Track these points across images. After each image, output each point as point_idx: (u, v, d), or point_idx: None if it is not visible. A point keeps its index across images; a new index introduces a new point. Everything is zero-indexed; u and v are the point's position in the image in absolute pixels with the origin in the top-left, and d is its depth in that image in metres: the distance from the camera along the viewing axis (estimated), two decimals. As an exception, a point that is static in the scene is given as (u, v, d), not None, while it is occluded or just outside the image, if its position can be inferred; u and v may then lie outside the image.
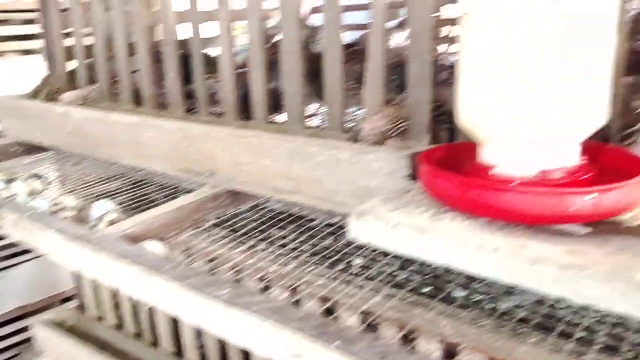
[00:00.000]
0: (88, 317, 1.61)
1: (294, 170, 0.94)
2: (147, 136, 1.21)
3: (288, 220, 1.13)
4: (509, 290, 0.88)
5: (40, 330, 1.56)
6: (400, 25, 1.41)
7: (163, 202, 1.25)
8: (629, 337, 0.72)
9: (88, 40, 1.56)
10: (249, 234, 1.06)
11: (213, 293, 0.72)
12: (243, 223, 1.10)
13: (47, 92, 1.63)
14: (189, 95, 1.34)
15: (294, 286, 0.89)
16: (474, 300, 0.92)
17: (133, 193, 1.42)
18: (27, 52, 2.53)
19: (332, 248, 0.98)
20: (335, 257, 0.95)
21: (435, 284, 0.94)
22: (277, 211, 1.16)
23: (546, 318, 0.78)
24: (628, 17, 0.78)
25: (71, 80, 1.62)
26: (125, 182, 1.49)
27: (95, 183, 1.46)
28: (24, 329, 2.05)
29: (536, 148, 0.62)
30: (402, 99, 0.93)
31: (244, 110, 1.19)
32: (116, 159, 1.33)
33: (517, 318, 0.82)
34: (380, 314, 0.79)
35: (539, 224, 0.60)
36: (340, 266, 0.91)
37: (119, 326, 1.51)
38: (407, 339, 0.79)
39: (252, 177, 1.01)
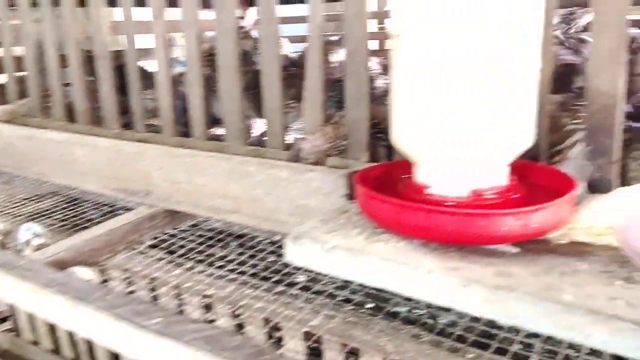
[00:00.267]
0: (23, 341, 1.52)
1: (232, 190, 0.92)
2: (79, 154, 1.15)
3: (229, 239, 1.10)
4: (449, 305, 0.88)
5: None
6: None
7: (98, 222, 1.20)
8: (561, 351, 0.74)
9: (18, 52, 1.49)
10: (188, 255, 1.03)
11: (143, 323, 0.69)
12: (182, 243, 1.07)
13: (-28, 107, 1.54)
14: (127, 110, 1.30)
15: (234, 309, 0.87)
16: (415, 315, 0.92)
17: (66, 213, 1.35)
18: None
19: (274, 267, 0.96)
20: (277, 277, 0.93)
21: (377, 299, 0.93)
22: (218, 230, 1.13)
23: (483, 333, 0.78)
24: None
25: (0, 94, 1.54)
26: (58, 201, 1.42)
27: (25, 203, 1.39)
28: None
29: (467, 169, 0.62)
30: (341, 116, 0.93)
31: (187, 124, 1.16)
32: (47, 178, 1.27)
33: (456, 333, 0.83)
34: (322, 336, 0.78)
35: (470, 244, 0.60)
36: (282, 286, 0.90)
37: (55, 351, 1.43)
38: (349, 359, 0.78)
39: (189, 196, 0.98)
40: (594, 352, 0.73)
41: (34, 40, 1.43)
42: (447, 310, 0.89)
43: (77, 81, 1.34)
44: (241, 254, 1.03)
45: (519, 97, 0.60)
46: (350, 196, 0.79)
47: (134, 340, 0.69)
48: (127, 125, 1.31)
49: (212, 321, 0.88)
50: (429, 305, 0.91)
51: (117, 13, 1.25)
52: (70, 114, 1.38)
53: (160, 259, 1.02)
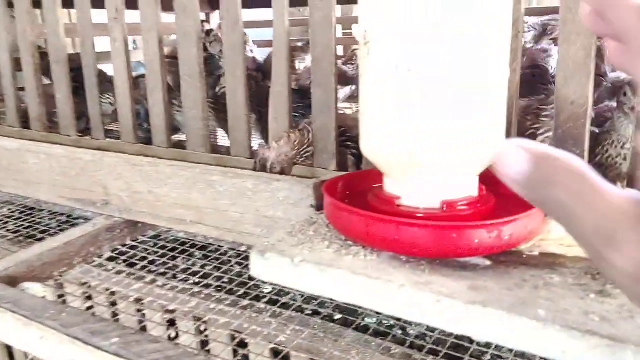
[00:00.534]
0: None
1: (195, 200, 0.88)
2: (32, 162, 1.10)
3: (192, 250, 1.06)
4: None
5: None
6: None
7: (54, 234, 1.14)
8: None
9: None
10: (149, 268, 0.98)
11: (100, 343, 0.65)
12: (142, 255, 1.02)
13: None
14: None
15: (198, 325, 0.83)
16: (386, 326, 0.90)
17: (20, 223, 1.28)
18: None
19: (239, 280, 0.93)
20: (243, 289, 0.90)
21: (346, 311, 0.91)
22: (180, 241, 1.09)
23: (455, 345, 0.77)
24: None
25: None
26: (11, 210, 1.35)
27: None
28: None
29: (437, 180, 0.61)
30: (308, 123, 0.91)
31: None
32: (-2, 187, 1.21)
33: (426, 343, 0.81)
34: (290, 352, 0.75)
35: (442, 257, 0.59)
36: (248, 299, 0.86)
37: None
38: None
39: (149, 206, 0.94)
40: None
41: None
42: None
43: (31, 86, 1.28)
44: (205, 265, 0.99)
45: (488, 106, 0.59)
46: (318, 207, 0.77)
47: (90, 362, 0.65)
48: (86, 131, 1.26)
49: (175, 338, 0.84)
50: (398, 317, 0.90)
51: (74, 15, 1.20)
52: (24, 120, 1.32)
53: (119, 272, 0.97)
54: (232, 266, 0.99)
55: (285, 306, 0.84)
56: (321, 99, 0.86)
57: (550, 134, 0.73)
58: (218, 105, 1.36)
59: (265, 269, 0.63)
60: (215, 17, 2.49)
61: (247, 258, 1.01)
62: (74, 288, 0.93)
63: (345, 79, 1.66)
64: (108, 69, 1.46)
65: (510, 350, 0.70)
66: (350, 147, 0.93)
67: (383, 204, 0.64)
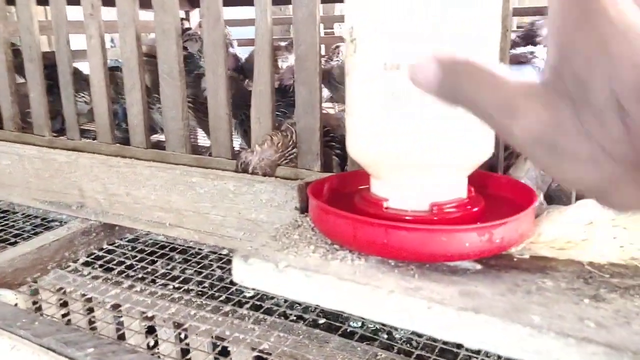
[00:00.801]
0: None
1: (174, 202, 0.85)
2: (4, 164, 1.05)
3: (172, 254, 1.03)
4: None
5: None
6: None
7: (29, 237, 1.10)
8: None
9: None
10: (127, 272, 0.95)
11: (74, 354, 0.62)
12: (120, 260, 0.99)
13: None
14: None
15: (178, 332, 0.80)
16: (371, 330, 0.88)
17: (-8, 226, 1.24)
18: None
19: (221, 284, 0.90)
20: (225, 294, 0.87)
21: (332, 314, 0.89)
22: (159, 244, 1.05)
23: (443, 351, 0.76)
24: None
25: None
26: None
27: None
28: None
29: (425, 181, 0.59)
30: (292, 124, 0.88)
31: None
32: (-32, 189, 1.16)
33: (414, 349, 0.80)
34: (273, 359, 0.73)
35: (432, 261, 0.57)
36: (230, 304, 0.84)
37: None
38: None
39: (127, 209, 0.90)
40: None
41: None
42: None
43: (4, 84, 1.23)
44: (185, 270, 0.96)
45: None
46: (303, 209, 0.74)
47: (63, 374, 0.62)
48: (62, 131, 1.21)
49: (154, 346, 0.81)
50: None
51: (49, 11, 1.15)
52: (-4, 120, 1.27)
53: (96, 278, 0.94)
54: (213, 270, 0.97)
55: (268, 311, 0.81)
56: (305, 98, 0.84)
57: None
58: (196, 105, 1.33)
59: (248, 274, 0.61)
60: (195, 15, 2.45)
61: (228, 262, 0.98)
62: (48, 295, 0.90)
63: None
64: (84, 67, 1.42)
65: (499, 357, 0.69)
66: (335, 148, 0.91)
67: (370, 207, 0.62)
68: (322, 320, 0.87)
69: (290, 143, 0.84)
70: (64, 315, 0.89)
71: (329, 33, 2.51)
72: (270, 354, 0.73)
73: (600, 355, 0.43)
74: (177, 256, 1.04)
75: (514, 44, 1.32)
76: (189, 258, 1.01)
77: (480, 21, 0.55)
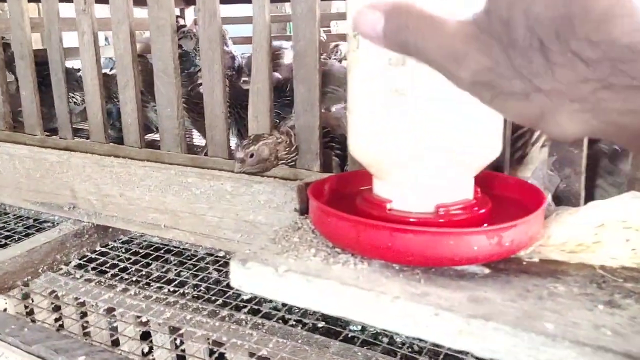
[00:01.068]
0: None
1: (169, 203, 0.83)
2: (-6, 163, 1.03)
3: (167, 255, 1.01)
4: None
5: None
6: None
7: (20, 239, 1.07)
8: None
9: None
10: (121, 275, 0.92)
11: (65, 363, 0.59)
12: (113, 262, 0.96)
13: None
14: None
15: (173, 338, 0.78)
16: (371, 333, 0.86)
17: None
18: None
19: (218, 288, 0.88)
20: (222, 298, 0.84)
21: (331, 317, 0.87)
22: (154, 246, 1.03)
23: (448, 355, 0.73)
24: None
25: None
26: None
27: None
28: None
29: (431, 182, 0.57)
30: (291, 127, 0.86)
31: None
32: (-43, 190, 1.13)
33: (417, 354, 0.77)
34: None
35: (439, 265, 0.54)
36: (228, 309, 0.81)
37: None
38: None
39: (120, 210, 0.88)
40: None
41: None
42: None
43: (-7, 82, 1.20)
44: (181, 272, 0.94)
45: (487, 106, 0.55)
46: (303, 211, 0.72)
47: (53, 384, 0.59)
48: (54, 131, 1.19)
49: (149, 352, 0.78)
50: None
51: (41, 8, 1.13)
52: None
53: (88, 281, 0.91)
54: (209, 273, 0.94)
55: (267, 316, 0.79)
56: (304, 96, 0.81)
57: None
58: (189, 104, 1.31)
59: (247, 279, 0.58)
60: (190, 12, 2.42)
61: (225, 264, 0.96)
62: (39, 299, 0.87)
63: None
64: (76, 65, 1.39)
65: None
66: (334, 149, 0.88)
67: (373, 208, 0.59)
68: (321, 324, 0.84)
69: (288, 144, 0.81)
70: (56, 320, 0.87)
71: (325, 31, 2.48)
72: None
73: (619, 366, 0.41)
74: (172, 258, 1.01)
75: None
76: (184, 260, 0.98)
77: None
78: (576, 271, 0.54)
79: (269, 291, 0.57)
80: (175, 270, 0.96)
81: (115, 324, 0.83)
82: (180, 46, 1.69)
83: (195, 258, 1.00)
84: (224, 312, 0.78)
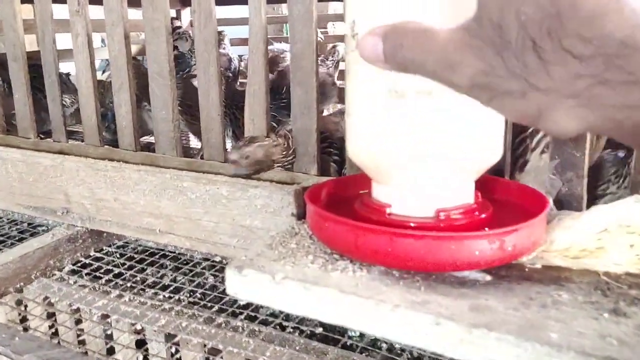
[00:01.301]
0: None
1: (164, 207, 0.81)
2: (-14, 167, 1.01)
3: (163, 260, 0.99)
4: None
5: None
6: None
7: (12, 244, 1.06)
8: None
9: None
10: (115, 281, 0.91)
11: (57, 373, 0.58)
12: (108, 267, 0.95)
13: None
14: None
15: (169, 345, 0.76)
16: (369, 340, 0.85)
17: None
18: None
19: (214, 294, 0.86)
20: (218, 304, 0.83)
21: (329, 324, 0.85)
22: (149, 251, 1.01)
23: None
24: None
25: None
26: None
27: None
28: None
29: (431, 186, 0.55)
30: (289, 130, 0.85)
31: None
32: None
33: (415, 358, 0.76)
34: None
35: (440, 272, 0.53)
36: (224, 315, 0.80)
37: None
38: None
39: (115, 215, 0.86)
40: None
41: None
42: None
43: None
44: (176, 278, 0.92)
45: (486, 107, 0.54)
46: (300, 215, 0.71)
47: (44, 396, 0.58)
48: (48, 133, 1.17)
49: None
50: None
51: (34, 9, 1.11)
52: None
53: (82, 287, 0.90)
54: (205, 278, 0.93)
55: (264, 322, 0.77)
56: (301, 98, 0.80)
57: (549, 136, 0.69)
58: (183, 107, 1.29)
59: (243, 286, 0.57)
60: (186, 13, 2.41)
61: (221, 270, 0.94)
62: (32, 305, 0.86)
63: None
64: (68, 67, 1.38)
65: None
66: (332, 154, 0.87)
67: (372, 213, 0.58)
68: (319, 330, 0.83)
69: (284, 146, 0.80)
70: (49, 327, 0.85)
71: (322, 32, 2.47)
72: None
73: (626, 377, 0.39)
74: (168, 263, 1.00)
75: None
76: (180, 265, 0.97)
77: None
78: (580, 278, 0.53)
79: (266, 299, 0.56)
80: (171, 275, 0.94)
81: (110, 332, 0.81)
82: (175, 47, 1.67)
83: (191, 263, 0.98)
84: (220, 319, 0.77)
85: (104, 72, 1.97)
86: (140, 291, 0.90)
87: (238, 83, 1.95)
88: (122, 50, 0.97)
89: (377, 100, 0.53)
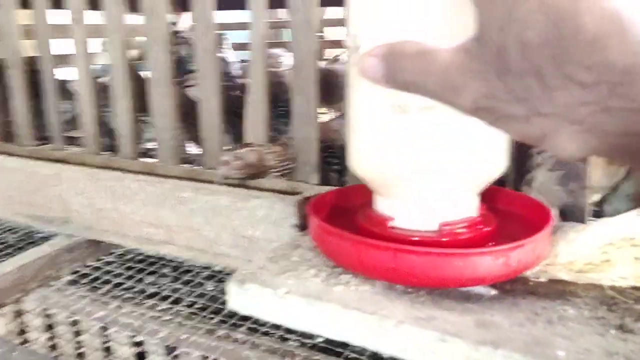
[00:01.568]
0: None
1: (164, 218, 0.81)
2: (-16, 176, 1.00)
3: (162, 270, 0.98)
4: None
5: None
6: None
7: (9, 254, 1.05)
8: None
9: None
10: (114, 292, 0.90)
11: (57, 389, 0.57)
12: (107, 278, 0.94)
13: None
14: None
15: (170, 358, 0.75)
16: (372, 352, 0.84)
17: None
18: None
19: (215, 305, 0.86)
20: (219, 316, 0.82)
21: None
22: (149, 261, 1.00)
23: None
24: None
25: None
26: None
27: None
28: None
29: (435, 199, 0.55)
30: (289, 139, 0.84)
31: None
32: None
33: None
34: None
35: (444, 287, 0.53)
36: (225, 327, 0.79)
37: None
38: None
39: (114, 225, 0.86)
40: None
41: None
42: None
43: (-17, 91, 1.18)
44: (176, 289, 0.91)
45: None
46: (302, 226, 0.70)
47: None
48: (46, 139, 1.16)
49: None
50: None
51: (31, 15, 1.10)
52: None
53: (81, 297, 0.89)
54: (206, 289, 0.92)
55: (266, 334, 0.77)
56: (302, 107, 0.80)
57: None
58: (179, 115, 1.28)
59: (245, 300, 0.57)
60: (184, 18, 2.40)
61: (222, 280, 0.93)
62: (30, 317, 0.85)
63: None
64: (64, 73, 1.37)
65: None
66: (332, 164, 0.87)
67: (374, 226, 0.57)
68: (320, 338, 0.82)
69: (283, 158, 0.79)
70: (48, 340, 0.84)
71: (319, 37, 2.47)
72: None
73: (636, 398, 0.39)
74: (167, 272, 0.99)
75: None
76: (179, 276, 0.96)
77: None
78: (585, 292, 0.53)
79: (268, 314, 0.56)
80: (171, 285, 0.94)
81: (109, 344, 0.80)
82: (176, 51, 1.66)
83: (191, 273, 0.98)
84: (221, 332, 0.76)
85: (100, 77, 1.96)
86: (140, 301, 0.89)
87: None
88: (122, 58, 0.96)
89: (379, 114, 0.53)
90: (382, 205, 0.59)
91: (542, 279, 0.55)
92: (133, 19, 1.05)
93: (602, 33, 0.22)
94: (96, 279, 0.94)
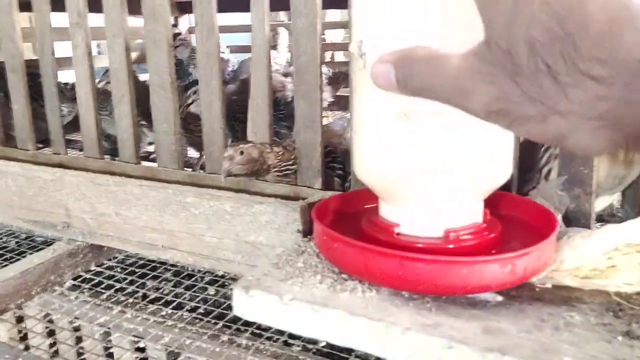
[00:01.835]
0: None
1: (167, 223, 0.81)
2: (-15, 180, 1.00)
3: (165, 275, 0.98)
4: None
5: None
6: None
7: (11, 258, 1.05)
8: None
9: None
10: (116, 297, 0.90)
11: (61, 397, 0.57)
12: (109, 282, 0.94)
13: None
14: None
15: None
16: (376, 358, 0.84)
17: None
18: None
19: (218, 310, 0.86)
20: (222, 321, 0.82)
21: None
22: (151, 266, 1.00)
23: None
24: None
25: None
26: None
27: None
28: None
29: (439, 205, 0.55)
30: (293, 141, 0.84)
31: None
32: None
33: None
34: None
35: (450, 294, 0.53)
36: (228, 333, 0.79)
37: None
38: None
39: (116, 230, 0.85)
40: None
41: None
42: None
43: (-16, 95, 1.18)
44: (179, 294, 0.91)
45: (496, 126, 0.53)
46: (306, 232, 0.70)
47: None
48: (46, 142, 1.16)
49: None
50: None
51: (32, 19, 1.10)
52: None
53: (84, 302, 0.89)
54: (209, 294, 0.92)
55: (270, 339, 0.77)
56: (305, 111, 0.80)
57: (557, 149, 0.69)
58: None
59: (250, 307, 0.56)
60: (184, 20, 2.40)
61: (224, 285, 0.94)
62: (33, 322, 0.85)
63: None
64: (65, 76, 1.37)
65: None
66: (335, 169, 0.86)
67: (380, 232, 0.57)
68: (324, 342, 0.82)
69: (284, 157, 0.79)
70: (51, 345, 0.84)
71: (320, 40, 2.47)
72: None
73: (644, 406, 0.39)
74: (170, 277, 0.99)
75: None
76: (182, 280, 0.96)
77: None
78: (591, 298, 0.53)
79: (274, 320, 0.55)
80: (173, 290, 0.94)
81: (112, 350, 0.80)
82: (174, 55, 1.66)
83: (194, 278, 0.97)
84: (225, 337, 0.76)
85: (99, 81, 1.96)
86: (142, 306, 0.89)
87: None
88: (123, 62, 0.96)
89: (385, 119, 0.53)
90: (387, 211, 0.58)
91: (548, 285, 0.55)
92: (133, 22, 1.04)
93: (615, 26, 0.21)
94: (98, 284, 0.94)
